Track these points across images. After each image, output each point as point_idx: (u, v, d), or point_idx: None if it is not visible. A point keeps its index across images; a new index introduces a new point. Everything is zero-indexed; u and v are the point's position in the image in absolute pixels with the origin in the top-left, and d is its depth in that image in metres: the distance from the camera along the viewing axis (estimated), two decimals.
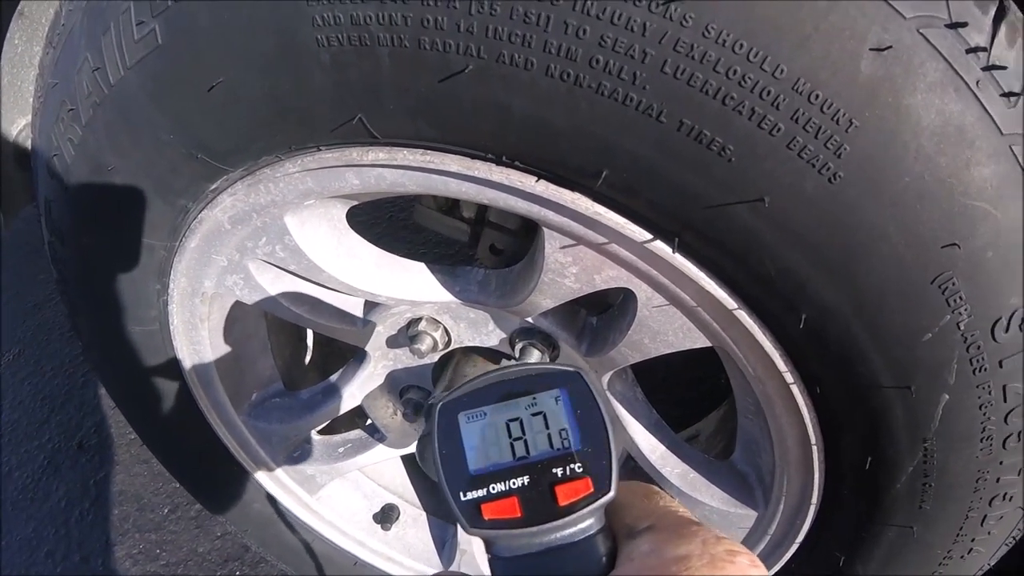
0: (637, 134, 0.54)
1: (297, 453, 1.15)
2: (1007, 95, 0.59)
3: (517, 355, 0.91)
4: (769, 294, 0.65)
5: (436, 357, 0.98)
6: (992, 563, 1.05)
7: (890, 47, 0.53)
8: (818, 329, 0.67)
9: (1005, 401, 0.77)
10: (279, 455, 1.15)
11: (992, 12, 0.59)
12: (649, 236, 0.62)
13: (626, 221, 0.62)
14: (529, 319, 0.86)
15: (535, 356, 0.90)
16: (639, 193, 0.59)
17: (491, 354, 0.95)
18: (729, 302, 0.67)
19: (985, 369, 0.72)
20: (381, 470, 1.20)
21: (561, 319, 0.86)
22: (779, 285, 0.63)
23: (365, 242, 0.85)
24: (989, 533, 0.93)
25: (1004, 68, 0.57)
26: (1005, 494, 0.87)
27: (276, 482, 1.18)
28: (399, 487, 1.22)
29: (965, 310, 0.66)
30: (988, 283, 0.66)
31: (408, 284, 0.87)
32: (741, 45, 0.50)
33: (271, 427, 1.11)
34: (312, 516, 1.22)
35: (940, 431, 0.78)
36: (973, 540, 0.94)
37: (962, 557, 0.97)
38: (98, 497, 1.75)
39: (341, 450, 1.13)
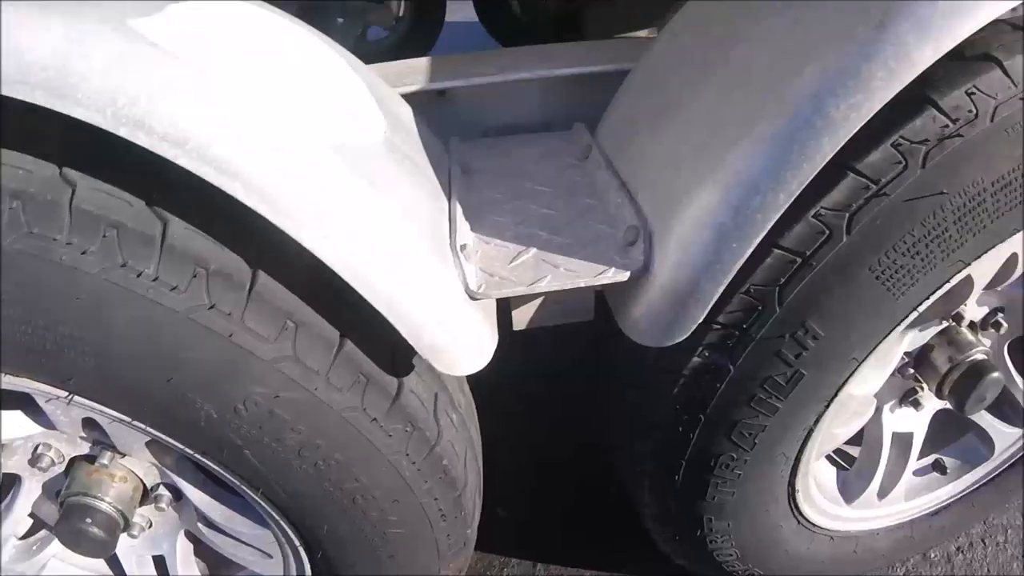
0: None
1: (7, 559, 1.62)
2: None
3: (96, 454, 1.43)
4: None
5: (63, 466, 1.50)
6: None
7: None
8: None
9: None
10: None
11: None
12: None
13: None
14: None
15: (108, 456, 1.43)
16: None
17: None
18: None
19: None
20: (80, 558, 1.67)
21: None
22: None
23: None
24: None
25: None
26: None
27: None
28: (96, 567, 1.70)
29: None
30: None
31: (10, 426, 1.39)
32: None
33: None
34: None
35: None
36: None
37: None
38: None
39: (35, 547, 1.62)
